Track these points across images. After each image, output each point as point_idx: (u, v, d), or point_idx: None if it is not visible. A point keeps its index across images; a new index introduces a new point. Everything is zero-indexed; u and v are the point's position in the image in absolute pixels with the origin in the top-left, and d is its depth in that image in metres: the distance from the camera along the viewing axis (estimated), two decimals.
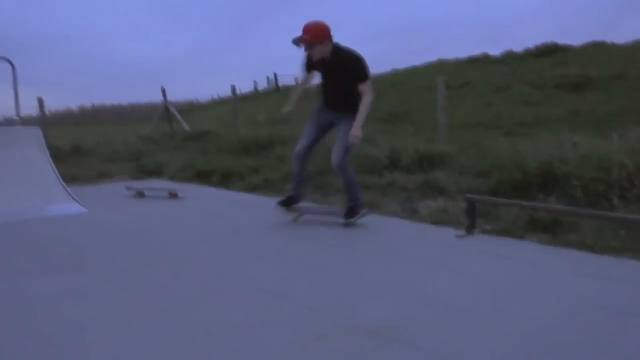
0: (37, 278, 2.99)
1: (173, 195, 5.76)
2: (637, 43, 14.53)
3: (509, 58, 17.03)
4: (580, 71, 12.86)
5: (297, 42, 3.80)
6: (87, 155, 9.54)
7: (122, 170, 8.06)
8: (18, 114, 6.54)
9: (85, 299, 2.62)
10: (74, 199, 5.32)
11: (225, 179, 6.68)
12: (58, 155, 7.29)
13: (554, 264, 2.93)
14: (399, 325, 2.17)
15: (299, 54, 3.98)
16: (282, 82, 24.00)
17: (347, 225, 4.04)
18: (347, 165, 3.96)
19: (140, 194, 5.94)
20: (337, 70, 3.87)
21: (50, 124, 11.80)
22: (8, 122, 7.54)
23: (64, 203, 5.24)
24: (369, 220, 4.15)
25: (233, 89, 10.97)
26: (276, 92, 22.80)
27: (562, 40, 20.41)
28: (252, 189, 6.03)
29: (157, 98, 13.29)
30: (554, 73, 13.30)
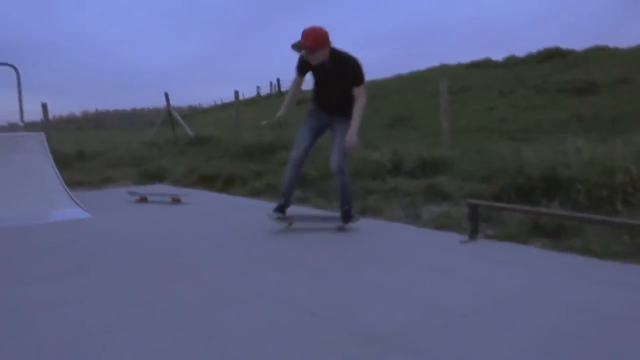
0: (40, 283, 3.00)
1: (176, 201, 5.77)
2: None
3: (512, 63, 17.06)
4: (583, 76, 12.86)
5: (297, 48, 3.79)
6: (91, 160, 9.58)
7: (125, 176, 8.08)
8: (22, 120, 6.57)
9: (88, 303, 2.62)
10: (77, 204, 5.34)
11: (228, 184, 6.69)
12: (62, 161, 7.32)
13: (558, 270, 2.92)
14: (401, 332, 2.16)
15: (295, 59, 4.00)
16: (285, 87, 24.11)
17: (340, 229, 4.05)
18: (345, 169, 3.98)
19: (143, 199, 5.96)
20: (335, 73, 3.87)
21: (54, 129, 11.86)
22: (12, 128, 7.57)
23: (67, 208, 5.26)
24: (372, 225, 4.14)
25: (236, 94, 10.99)
26: (278, 97, 22.90)
27: (564, 44, 20.40)
28: (256, 193, 6.04)
29: (161, 103, 13.36)
30: (557, 78, 13.31)
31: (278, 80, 25.16)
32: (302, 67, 4.02)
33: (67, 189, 5.64)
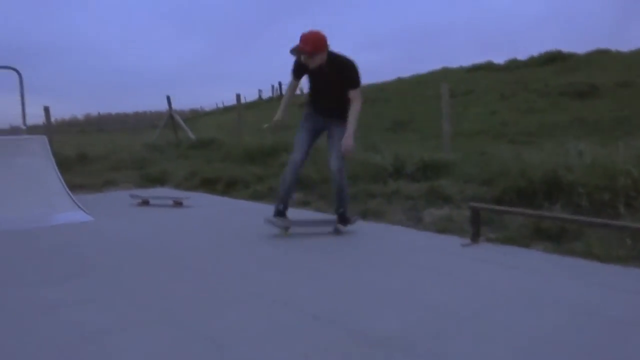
0: (41, 286, 3.00)
1: (178, 204, 5.78)
2: None
3: (514, 66, 17.07)
4: (585, 79, 12.87)
5: (296, 52, 3.81)
6: (93, 163, 9.59)
7: (127, 179, 8.08)
8: (24, 123, 6.58)
9: (90, 306, 2.63)
10: (79, 207, 5.34)
11: (230, 187, 6.69)
12: (64, 164, 7.33)
13: (559, 273, 2.92)
14: (403, 335, 2.16)
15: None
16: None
17: (337, 232, 4.06)
18: (344, 171, 4.01)
19: (145, 202, 5.96)
20: (332, 76, 3.88)
21: (56, 132, 11.88)
22: (14, 131, 7.58)
23: (69, 211, 5.27)
24: (374, 228, 4.14)
25: (238, 97, 11.01)
26: (280, 100, 22.90)
27: (566, 48, 20.43)
28: (257, 197, 6.04)
29: (163, 106, 13.38)
30: (558, 81, 13.32)
31: (280, 84, 25.21)
32: (298, 71, 4.04)
33: (69, 192, 5.65)
